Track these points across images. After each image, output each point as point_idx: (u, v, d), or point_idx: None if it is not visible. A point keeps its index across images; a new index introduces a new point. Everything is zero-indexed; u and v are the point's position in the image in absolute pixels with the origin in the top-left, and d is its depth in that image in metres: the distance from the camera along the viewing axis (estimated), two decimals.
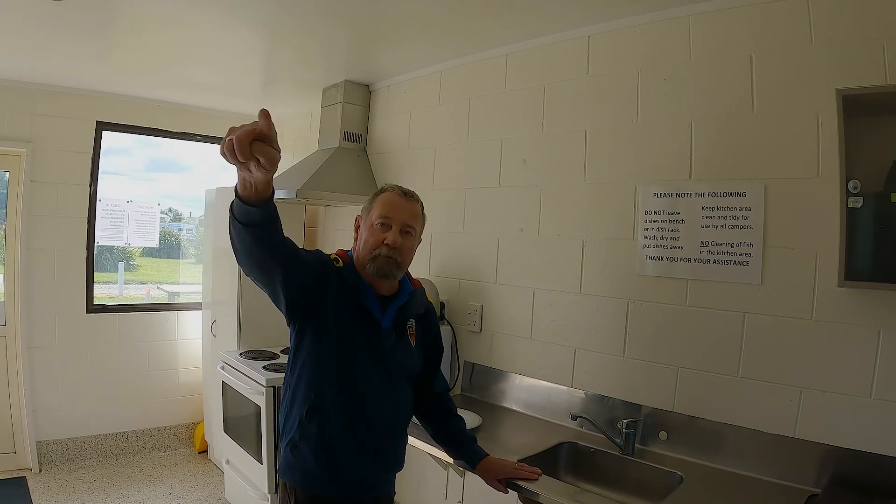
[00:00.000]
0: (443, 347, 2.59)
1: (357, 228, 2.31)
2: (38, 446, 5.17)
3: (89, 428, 5.46)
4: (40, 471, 5.14)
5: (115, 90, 5.34)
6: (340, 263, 2.22)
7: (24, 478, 4.96)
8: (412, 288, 2.36)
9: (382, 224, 2.19)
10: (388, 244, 2.16)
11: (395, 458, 2.37)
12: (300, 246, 2.08)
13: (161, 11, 3.38)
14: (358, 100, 4.75)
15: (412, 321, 2.37)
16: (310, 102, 5.32)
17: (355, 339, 2.17)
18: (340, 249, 2.35)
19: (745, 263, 2.60)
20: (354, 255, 2.28)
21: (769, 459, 2.47)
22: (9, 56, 4.32)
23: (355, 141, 4.74)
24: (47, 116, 5.13)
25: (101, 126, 5.44)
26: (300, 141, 5.73)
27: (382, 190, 2.29)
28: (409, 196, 2.27)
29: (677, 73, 2.86)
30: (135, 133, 5.73)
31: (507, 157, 3.64)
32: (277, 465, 2.27)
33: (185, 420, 6.03)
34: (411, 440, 2.80)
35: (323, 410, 2.16)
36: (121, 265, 6.13)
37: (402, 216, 2.21)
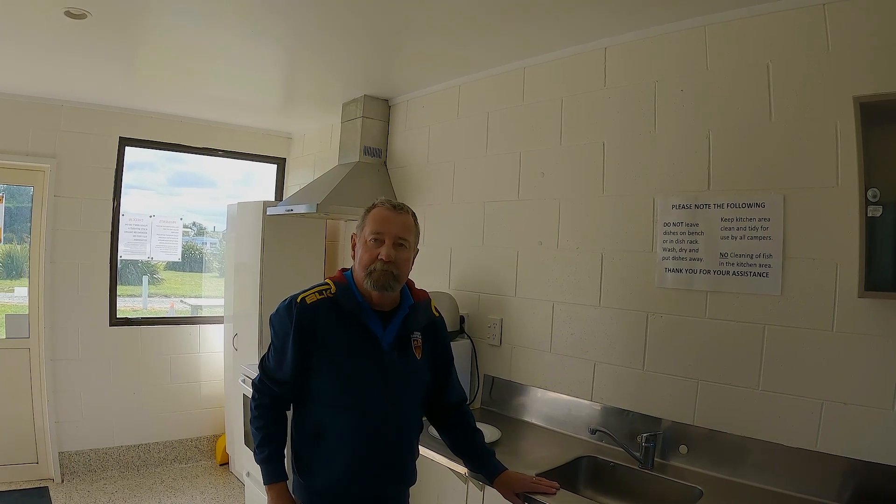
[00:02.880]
0: (452, 357, 2.57)
1: (354, 247, 2.34)
2: (60, 457, 5.22)
3: (111, 439, 5.51)
4: (62, 481, 5.18)
5: (137, 106, 5.42)
6: (333, 290, 2.26)
7: (46, 488, 5.01)
8: (412, 301, 2.37)
9: (375, 239, 2.22)
10: (382, 259, 2.19)
11: (406, 472, 2.38)
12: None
13: (185, 30, 3.45)
14: (377, 115, 4.77)
15: (417, 334, 2.37)
16: (330, 117, 5.36)
17: (357, 359, 2.21)
18: (340, 271, 2.38)
19: (764, 275, 2.58)
20: (354, 274, 2.31)
21: (790, 473, 2.43)
22: (34, 73, 4.41)
23: (375, 155, 4.76)
24: (71, 132, 5.22)
25: (124, 142, 5.52)
26: (320, 156, 5.79)
27: (373, 206, 2.31)
28: (398, 209, 2.29)
29: (694, 83, 2.86)
30: (157, 148, 5.81)
31: (525, 171, 3.64)
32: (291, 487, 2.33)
33: (206, 432, 6.05)
34: (431, 454, 2.82)
35: (328, 431, 2.22)
36: (145, 278, 6.20)
37: (393, 229, 2.23)
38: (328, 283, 2.29)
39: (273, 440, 2.28)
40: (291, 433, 2.33)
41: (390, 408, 2.25)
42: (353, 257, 2.32)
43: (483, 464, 2.50)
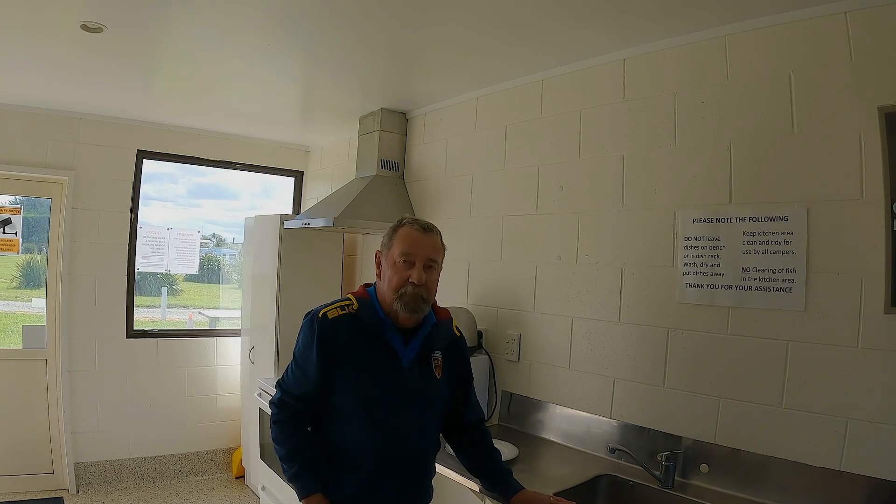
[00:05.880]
0: (472, 377, 2.56)
1: (379, 265, 2.33)
2: (76, 468, 5.23)
3: (127, 451, 5.51)
4: (77, 492, 5.18)
5: (155, 119, 5.46)
6: (355, 306, 2.27)
7: (61, 498, 5.01)
8: (435, 320, 2.37)
9: (405, 261, 2.20)
10: (413, 282, 2.18)
11: (422, 490, 2.39)
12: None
13: (201, 42, 3.46)
14: (395, 128, 4.77)
15: (438, 353, 2.37)
16: (347, 131, 5.38)
17: (376, 377, 2.21)
18: (362, 286, 2.38)
19: (788, 290, 2.52)
20: (377, 291, 2.31)
21: (814, 493, 2.37)
22: (51, 86, 4.44)
23: (392, 169, 4.76)
24: (89, 145, 5.26)
25: (142, 154, 5.55)
26: (338, 169, 5.80)
27: (401, 224, 2.29)
28: (427, 230, 2.27)
29: (715, 94, 2.82)
30: (175, 161, 5.84)
31: (544, 184, 3.62)
32: None
33: (222, 445, 6.05)
34: (447, 472, 2.78)
35: (345, 447, 2.22)
36: (164, 290, 6.22)
37: (423, 251, 2.22)
38: (350, 299, 2.30)
39: (299, 453, 2.25)
40: None
41: (408, 426, 2.25)
42: (378, 275, 2.31)
43: (500, 483, 2.45)
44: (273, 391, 4.11)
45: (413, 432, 2.27)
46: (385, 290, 2.25)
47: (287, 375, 2.33)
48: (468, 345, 3.50)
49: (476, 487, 2.65)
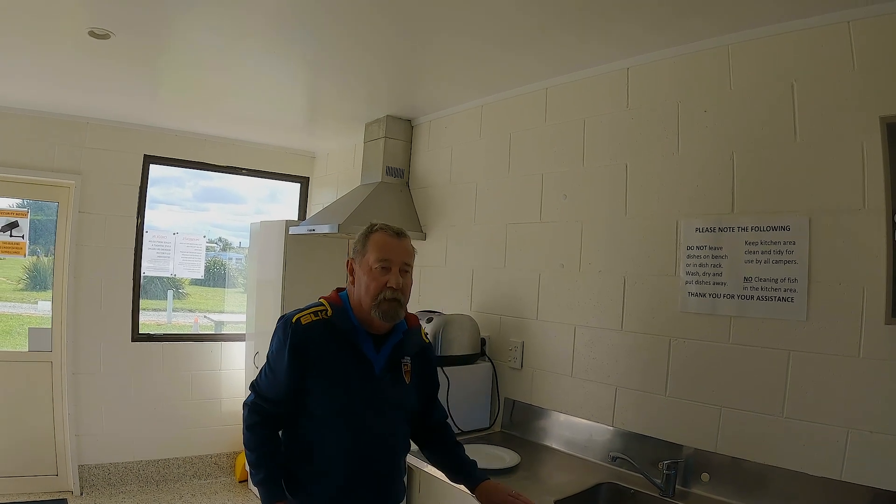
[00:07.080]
0: (438, 383, 2.63)
1: (352, 271, 2.34)
2: (80, 470, 5.24)
3: (131, 454, 5.52)
4: (81, 494, 5.19)
5: (162, 124, 5.49)
6: (329, 312, 2.28)
7: (65, 500, 5.03)
8: (406, 327, 2.39)
9: (383, 267, 2.23)
10: (392, 287, 2.21)
11: (393, 490, 2.42)
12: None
13: (207, 49, 3.48)
14: (400, 135, 4.78)
15: (407, 359, 2.40)
16: (353, 137, 5.38)
17: (348, 382, 2.24)
18: (335, 291, 2.39)
19: (789, 300, 2.52)
20: (350, 297, 2.32)
21: (815, 503, 2.37)
22: (59, 91, 4.47)
23: (397, 176, 4.77)
24: (96, 149, 5.29)
25: (149, 159, 5.58)
26: (344, 175, 5.81)
27: (372, 230, 2.31)
28: (401, 235, 2.31)
29: (718, 103, 2.82)
30: (181, 166, 5.87)
31: (547, 192, 3.62)
32: None
33: (226, 449, 6.05)
34: (439, 475, 2.78)
35: (319, 450, 2.24)
36: (170, 293, 6.24)
37: (399, 256, 2.26)
38: (323, 304, 2.32)
39: (269, 460, 2.27)
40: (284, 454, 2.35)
41: (380, 429, 2.29)
42: (352, 282, 2.33)
43: (464, 473, 2.50)
44: None
45: (385, 436, 2.31)
46: (362, 296, 2.26)
47: (261, 378, 2.34)
48: (471, 352, 3.55)
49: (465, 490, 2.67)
